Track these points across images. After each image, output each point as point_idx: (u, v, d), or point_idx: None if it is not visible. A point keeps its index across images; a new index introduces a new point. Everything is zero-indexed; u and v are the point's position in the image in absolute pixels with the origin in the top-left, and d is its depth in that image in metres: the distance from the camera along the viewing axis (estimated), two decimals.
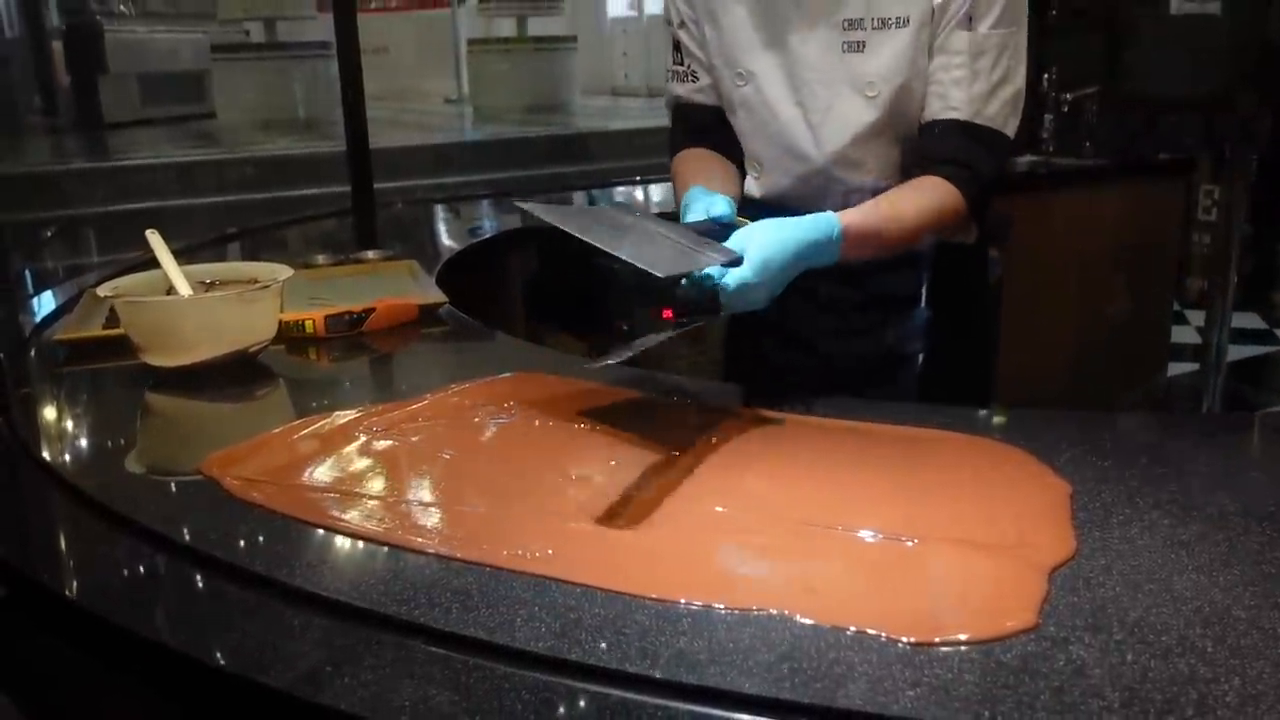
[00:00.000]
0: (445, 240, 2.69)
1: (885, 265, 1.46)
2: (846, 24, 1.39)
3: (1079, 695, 0.67)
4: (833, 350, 1.58)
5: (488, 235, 2.57)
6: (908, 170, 1.46)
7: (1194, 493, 0.97)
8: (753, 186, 1.59)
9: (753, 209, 1.51)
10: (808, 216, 1.22)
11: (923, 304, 1.56)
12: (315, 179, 4.82)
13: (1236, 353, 3.98)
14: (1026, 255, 2.80)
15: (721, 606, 0.78)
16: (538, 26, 8.02)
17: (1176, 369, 3.88)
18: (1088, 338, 3.56)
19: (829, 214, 1.24)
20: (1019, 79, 1.41)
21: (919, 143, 1.43)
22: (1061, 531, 0.88)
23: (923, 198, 1.36)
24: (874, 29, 1.38)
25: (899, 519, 0.91)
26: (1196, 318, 4.29)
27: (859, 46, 1.39)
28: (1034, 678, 0.69)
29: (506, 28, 8.06)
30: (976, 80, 1.36)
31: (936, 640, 0.73)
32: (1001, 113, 1.40)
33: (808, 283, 1.41)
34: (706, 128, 1.60)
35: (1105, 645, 0.72)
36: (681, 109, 1.63)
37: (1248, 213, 3.81)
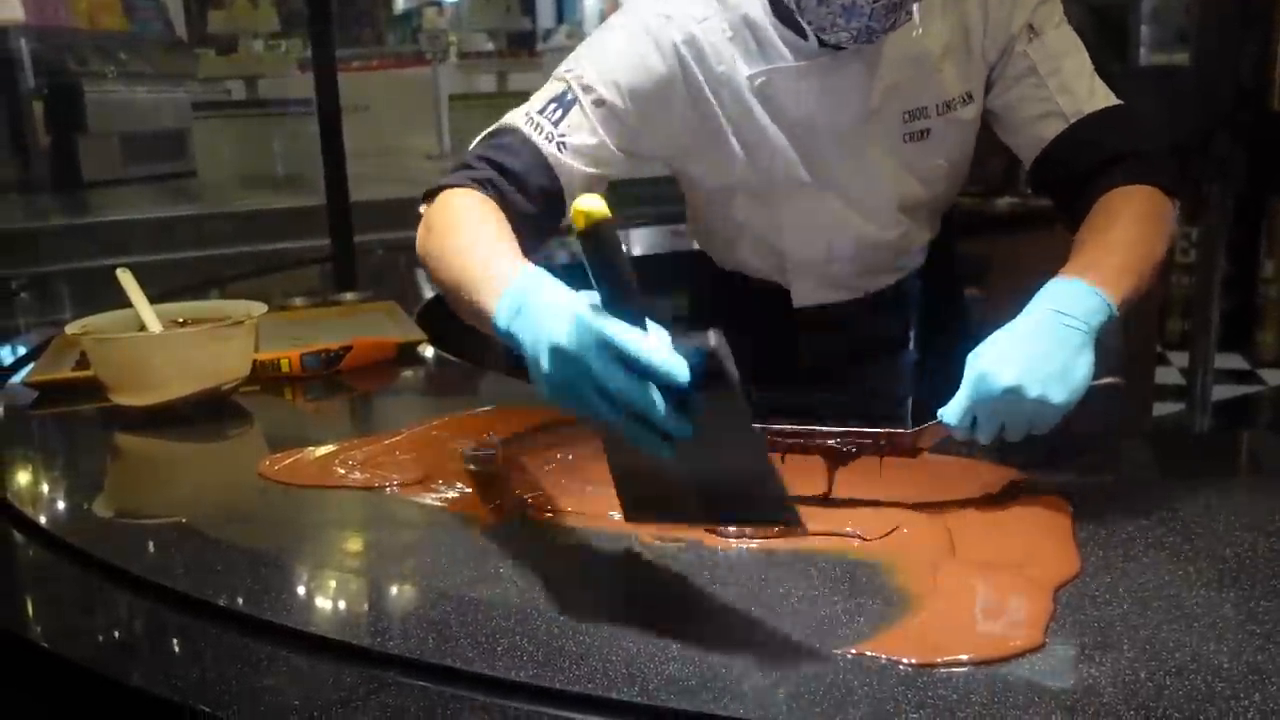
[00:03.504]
0: (426, 283, 2.67)
1: (873, 308, 1.42)
2: (907, 116, 1.23)
3: (1092, 714, 0.64)
4: (815, 400, 1.34)
5: None
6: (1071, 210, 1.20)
7: (1195, 510, 0.94)
8: (810, 294, 1.39)
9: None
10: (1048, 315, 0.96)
11: (910, 347, 1.50)
12: (297, 233, 4.80)
13: (1220, 393, 3.97)
14: (1006, 296, 2.79)
15: (711, 632, 0.74)
16: (519, 82, 8.09)
17: (1161, 409, 3.86)
18: None
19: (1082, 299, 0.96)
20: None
21: (1057, 172, 1.22)
22: (1065, 549, 0.85)
23: (1128, 211, 1.11)
24: (939, 114, 1.24)
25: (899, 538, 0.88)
26: (1179, 359, 4.29)
27: (923, 135, 1.25)
28: (1044, 697, 0.66)
29: (488, 84, 8.13)
30: (1077, 77, 1.21)
31: (939, 661, 0.69)
32: (1108, 93, 1.22)
33: (789, 334, 1.33)
34: (538, 205, 1.15)
35: (1117, 663, 0.69)
36: (538, 171, 1.15)
37: (1226, 253, 3.83)
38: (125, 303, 1.43)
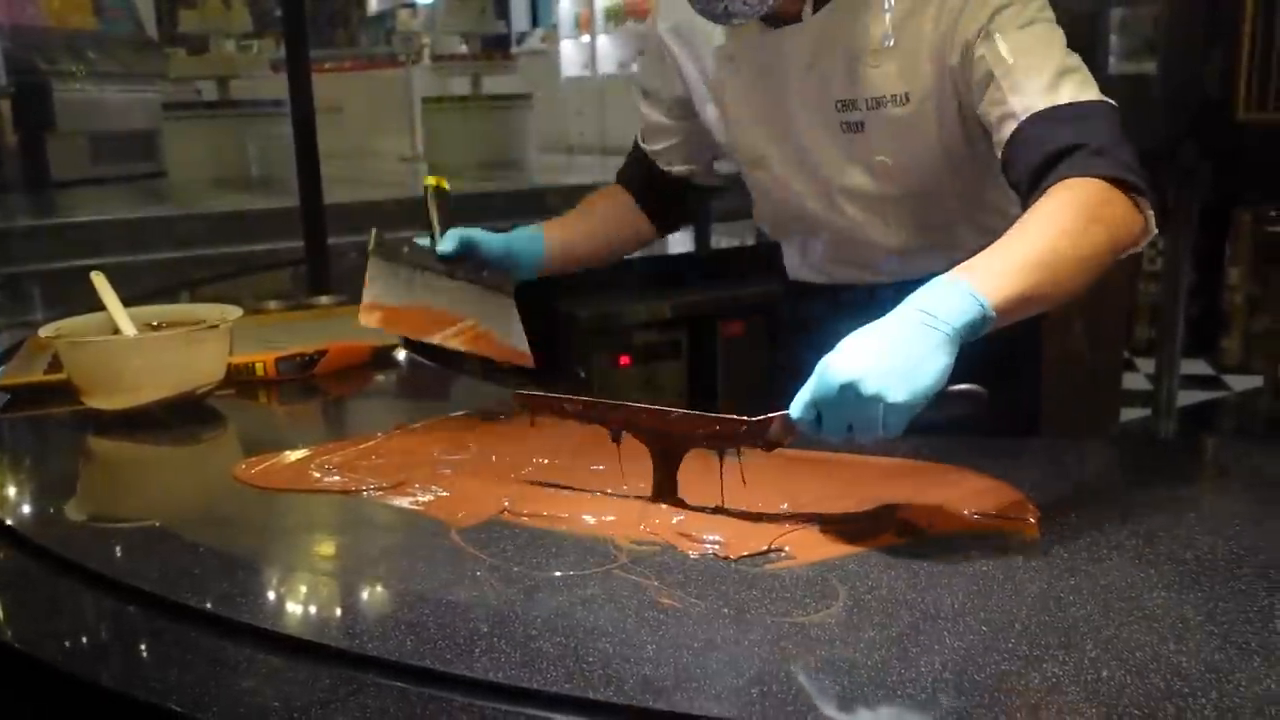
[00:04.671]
0: None
1: (844, 304, 1.44)
2: (840, 105, 1.29)
3: (1055, 713, 0.66)
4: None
5: None
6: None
7: (1158, 513, 0.96)
8: (798, 269, 1.53)
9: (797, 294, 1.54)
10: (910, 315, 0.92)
11: None
12: (269, 235, 4.78)
13: (1186, 398, 4.02)
14: None
15: (685, 633, 0.75)
16: (493, 85, 8.08)
17: (1128, 414, 3.91)
18: (1043, 388, 3.58)
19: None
20: (1078, 63, 1.19)
21: (1014, 174, 1.17)
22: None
23: (1050, 205, 1.05)
24: (870, 109, 1.27)
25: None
26: (1146, 365, 4.35)
27: (858, 127, 1.29)
28: (1009, 696, 0.67)
29: (461, 86, 8.10)
30: (1032, 76, 1.15)
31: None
32: (1080, 91, 1.16)
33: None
34: (647, 184, 1.58)
35: (1080, 662, 0.71)
36: (640, 160, 1.58)
37: (1192, 261, 3.89)
38: (96, 304, 1.42)
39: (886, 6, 1.23)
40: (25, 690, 0.84)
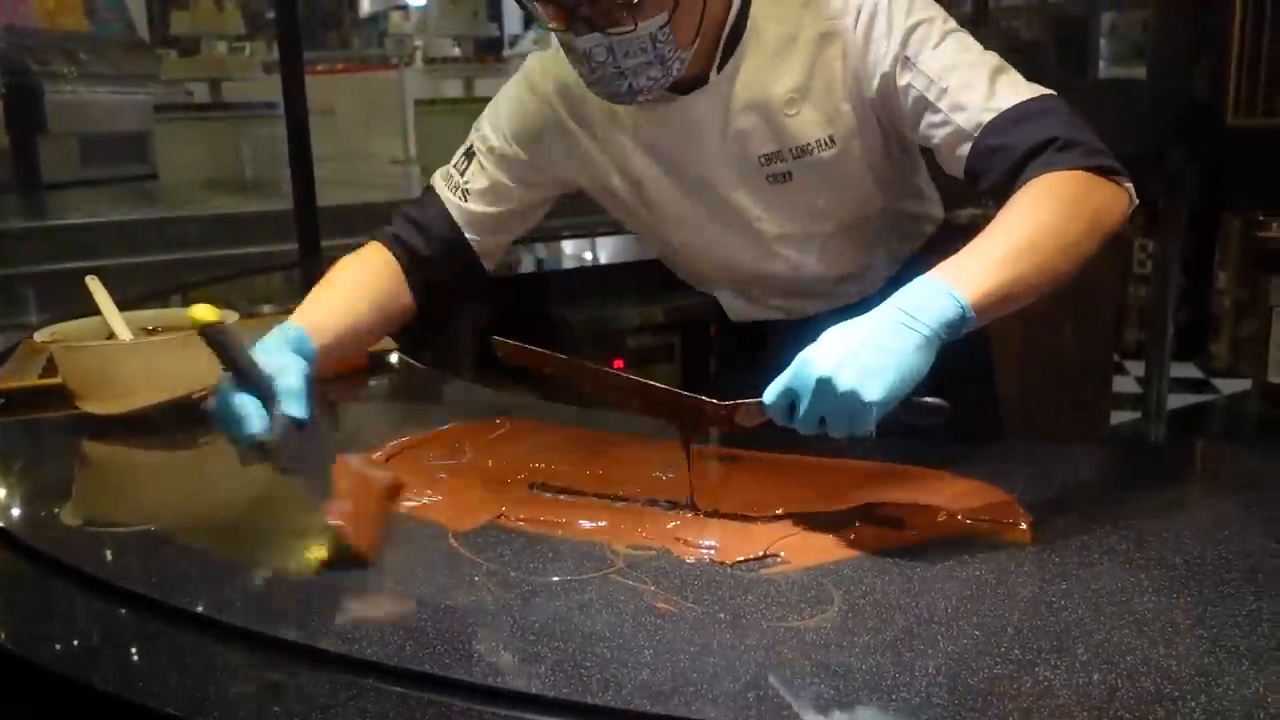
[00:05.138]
0: None
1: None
2: (764, 159, 1.25)
3: (1047, 716, 0.67)
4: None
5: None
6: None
7: (1148, 518, 0.97)
8: (742, 312, 1.44)
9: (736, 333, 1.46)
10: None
11: None
12: (261, 238, 4.77)
13: (1175, 402, 4.05)
14: None
15: (682, 638, 0.76)
16: (485, 88, 8.08)
17: (1118, 417, 3.93)
18: (1032, 391, 3.60)
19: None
20: (1000, 61, 1.17)
21: (985, 185, 1.14)
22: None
23: (1024, 199, 1.04)
24: (795, 158, 1.24)
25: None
26: (1135, 368, 4.37)
27: (785, 177, 1.25)
28: (1002, 700, 0.68)
29: (454, 89, 8.10)
30: (969, 90, 1.13)
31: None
32: (1018, 90, 1.14)
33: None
34: (429, 254, 1.34)
35: (1071, 667, 0.72)
36: (429, 224, 1.34)
37: (1180, 265, 3.91)
38: (88, 307, 1.43)
39: (776, 60, 1.21)
40: (20, 694, 0.84)
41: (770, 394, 0.93)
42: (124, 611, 0.87)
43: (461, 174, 1.35)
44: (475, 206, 1.34)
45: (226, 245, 4.85)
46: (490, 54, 8.69)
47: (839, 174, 1.26)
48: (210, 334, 0.97)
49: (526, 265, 2.88)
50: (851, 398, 0.87)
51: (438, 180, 1.37)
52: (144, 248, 4.64)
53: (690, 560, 0.91)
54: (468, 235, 1.34)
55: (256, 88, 7.37)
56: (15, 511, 1.15)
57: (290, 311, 1.83)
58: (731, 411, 0.98)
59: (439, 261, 1.34)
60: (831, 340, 0.91)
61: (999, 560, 0.89)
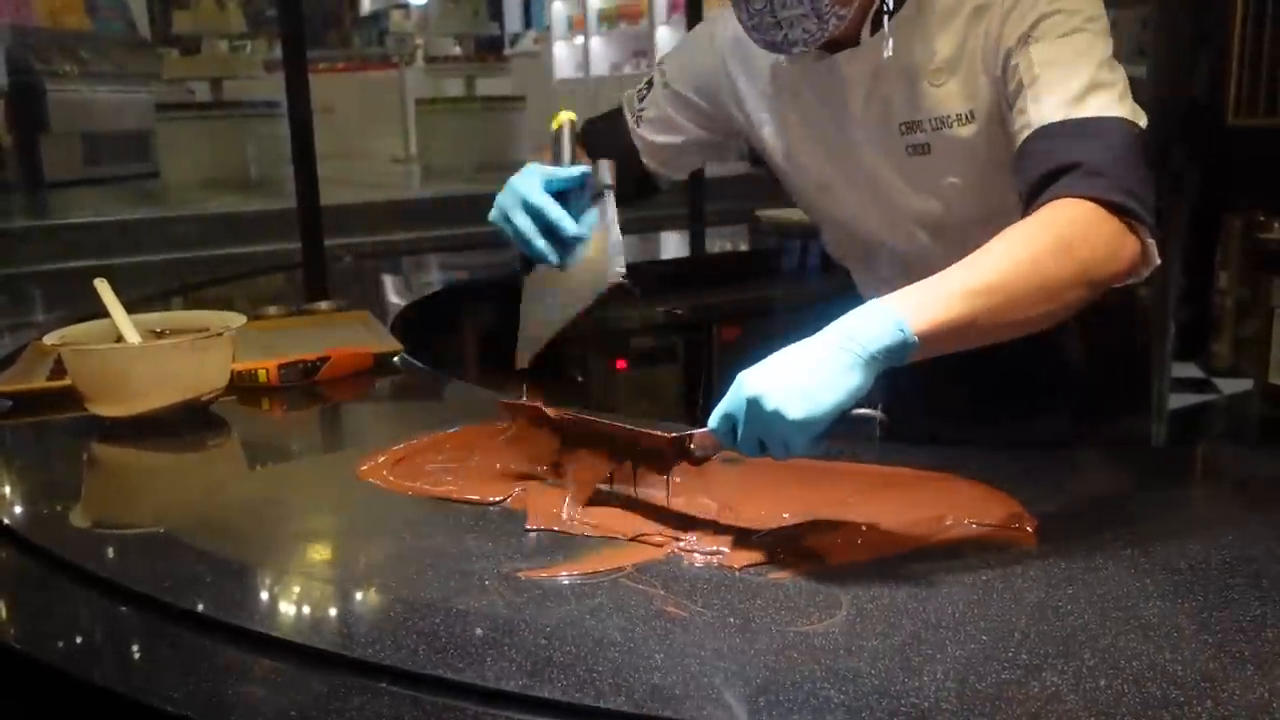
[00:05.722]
0: (398, 293, 2.68)
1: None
2: (904, 128, 1.24)
3: None
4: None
5: (445, 286, 2.58)
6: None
7: (1152, 522, 0.98)
8: (872, 289, 1.37)
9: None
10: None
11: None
12: (263, 237, 4.78)
13: (1176, 401, 4.06)
14: None
15: (692, 642, 0.77)
16: (486, 87, 8.08)
17: None
18: None
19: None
20: (1115, 78, 1.12)
21: (1018, 189, 1.12)
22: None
23: (1016, 230, 1.01)
24: (934, 130, 1.23)
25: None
26: None
27: (924, 149, 1.24)
28: (1010, 705, 0.69)
29: (455, 88, 8.11)
30: (1055, 88, 1.10)
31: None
32: (1106, 108, 1.09)
33: None
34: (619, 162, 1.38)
35: (1078, 672, 0.72)
36: (615, 136, 1.46)
37: (1182, 265, 3.92)
38: (92, 306, 1.43)
39: (936, 26, 1.20)
40: (29, 693, 0.85)
41: (713, 418, 0.94)
42: (132, 612, 0.88)
43: (640, 100, 1.46)
44: (648, 133, 1.45)
45: (229, 244, 4.85)
46: (491, 53, 8.69)
47: (977, 154, 1.23)
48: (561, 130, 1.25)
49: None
50: (776, 417, 0.88)
51: (625, 99, 1.49)
52: (147, 247, 4.65)
53: (698, 564, 0.91)
54: (643, 158, 1.46)
55: (258, 86, 7.37)
56: (26, 512, 1.16)
57: (301, 312, 1.84)
58: (686, 443, 0.99)
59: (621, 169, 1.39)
60: (769, 362, 0.92)
61: (1005, 565, 0.90)
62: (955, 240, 1.26)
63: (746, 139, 1.44)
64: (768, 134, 1.37)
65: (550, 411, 1.11)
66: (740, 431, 0.91)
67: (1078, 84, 1.10)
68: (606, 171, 1.24)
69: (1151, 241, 1.05)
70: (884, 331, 0.90)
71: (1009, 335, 0.97)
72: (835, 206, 1.38)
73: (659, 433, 1.01)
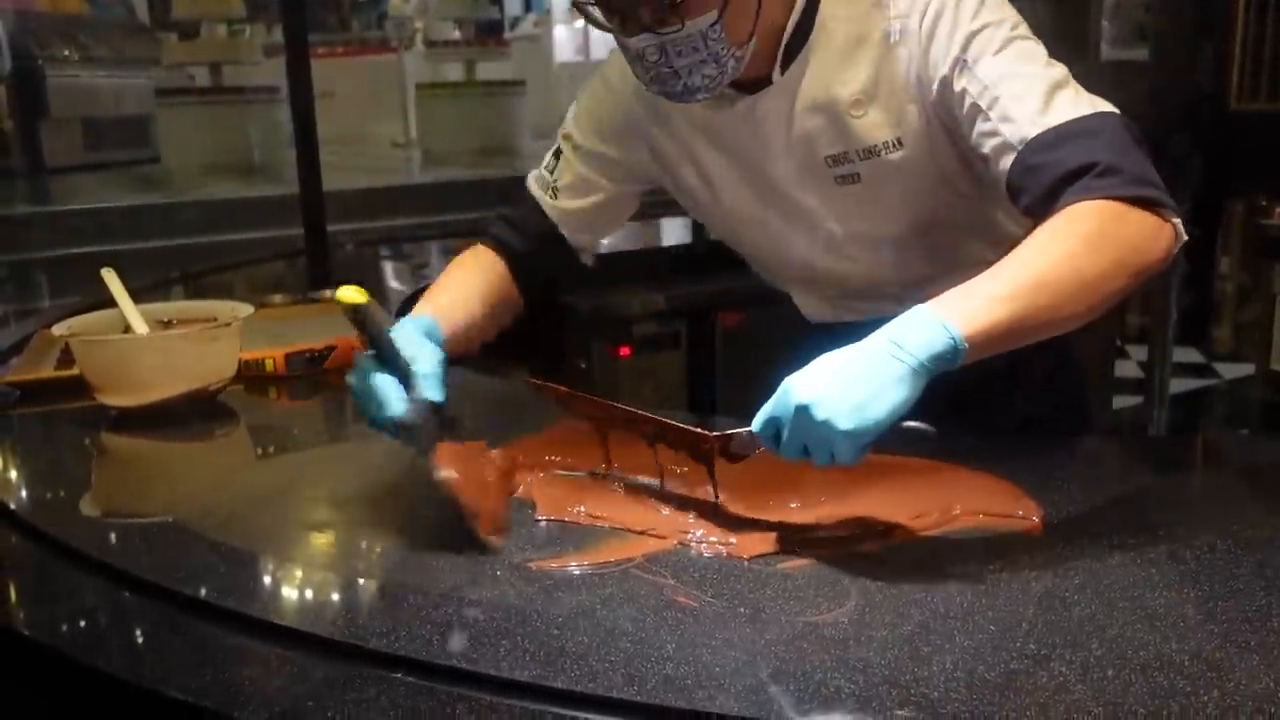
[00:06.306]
0: (401, 280, 2.68)
1: None
2: (830, 160, 1.23)
3: (1064, 711, 0.68)
4: None
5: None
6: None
7: (1158, 513, 0.99)
8: (816, 311, 1.44)
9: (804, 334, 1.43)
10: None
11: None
12: (264, 223, 4.77)
13: (1177, 386, 4.06)
14: None
15: (703, 632, 0.78)
16: (486, 71, 8.06)
17: (1120, 402, 3.95)
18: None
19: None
20: (1065, 75, 1.12)
21: (1024, 204, 1.10)
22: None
23: (1045, 231, 1.01)
24: (862, 159, 1.22)
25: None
26: (1138, 352, 4.39)
27: (853, 178, 1.23)
28: (1019, 695, 0.70)
29: (455, 72, 8.09)
30: (1022, 101, 1.09)
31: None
32: (1075, 107, 1.09)
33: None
34: (529, 250, 1.38)
35: (1085, 662, 0.73)
36: (526, 221, 1.39)
37: (1183, 250, 3.92)
38: (96, 293, 1.44)
39: (842, 61, 1.19)
40: (40, 680, 0.86)
41: (757, 422, 0.94)
42: (141, 600, 0.89)
43: (551, 173, 1.38)
44: (566, 203, 1.37)
45: (229, 230, 4.85)
46: (491, 37, 8.67)
47: (909, 177, 1.23)
48: (359, 312, 1.01)
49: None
50: (826, 427, 0.87)
51: (531, 182, 1.41)
52: (149, 233, 4.65)
53: (707, 554, 0.92)
54: (562, 231, 1.38)
55: (257, 72, 7.35)
56: (36, 501, 1.16)
57: (307, 300, 1.85)
58: (725, 442, 0.99)
59: (538, 257, 1.38)
60: (816, 368, 0.91)
61: (1012, 555, 0.91)
62: (896, 256, 1.30)
63: (660, 185, 1.39)
64: (687, 175, 1.34)
65: (581, 397, 1.11)
66: (785, 436, 0.91)
67: (1039, 92, 1.09)
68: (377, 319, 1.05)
69: (1178, 220, 1.04)
70: (934, 338, 0.90)
71: (1052, 333, 0.97)
72: (764, 239, 1.36)
73: (701, 430, 1.02)
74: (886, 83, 1.19)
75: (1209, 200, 4.39)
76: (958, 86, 1.13)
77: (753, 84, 1.22)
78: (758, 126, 1.25)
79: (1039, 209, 1.06)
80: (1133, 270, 1.00)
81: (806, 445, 0.90)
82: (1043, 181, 1.06)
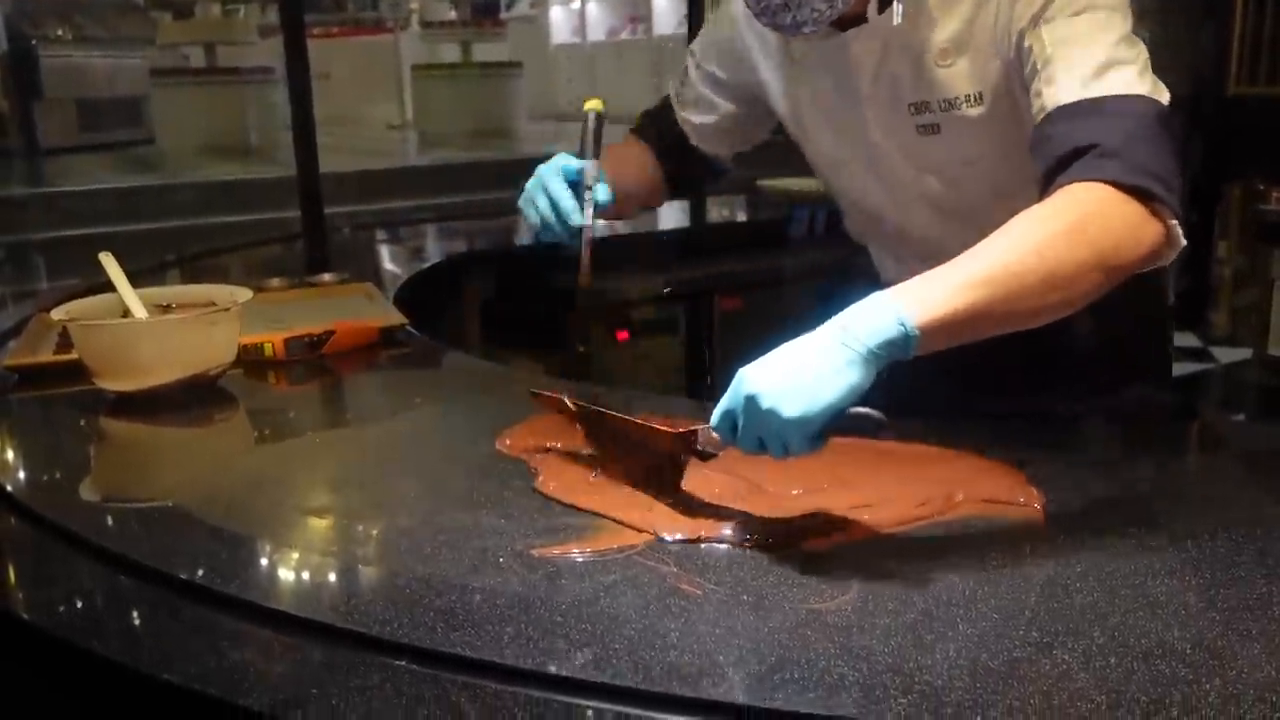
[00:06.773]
0: (398, 263, 2.68)
1: None
2: (913, 108, 1.23)
3: (1067, 699, 0.68)
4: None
5: (445, 258, 2.57)
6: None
7: (1160, 500, 0.99)
8: (890, 274, 1.43)
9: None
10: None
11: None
12: (260, 205, 4.76)
13: (1175, 370, 4.08)
14: None
15: (707, 621, 0.78)
16: (482, 52, 8.03)
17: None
18: None
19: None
20: (1133, 55, 1.08)
21: (1035, 173, 1.09)
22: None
23: (1025, 218, 0.98)
24: (942, 110, 1.21)
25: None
26: None
27: (934, 129, 1.23)
28: (1021, 683, 0.70)
29: (451, 53, 8.05)
30: (1071, 67, 1.07)
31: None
32: (1125, 85, 1.05)
33: None
34: (669, 148, 1.53)
35: (1088, 649, 0.74)
36: (666, 123, 1.53)
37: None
38: (92, 273, 1.43)
39: (942, 5, 1.18)
40: (38, 664, 0.86)
41: (714, 417, 0.93)
42: (140, 585, 0.89)
43: (680, 85, 1.52)
44: (690, 116, 1.50)
45: (225, 212, 4.84)
46: (487, 18, 8.62)
47: (987, 135, 1.21)
48: (600, 120, 1.31)
49: (530, 237, 2.88)
50: (772, 415, 0.86)
51: (670, 87, 1.55)
52: (145, 214, 4.63)
53: (714, 547, 0.92)
54: (692, 141, 1.51)
55: (252, 52, 7.32)
56: (34, 485, 1.16)
57: (305, 284, 1.84)
58: (691, 441, 0.98)
59: (675, 159, 1.54)
60: (767, 358, 0.90)
61: (1013, 541, 0.91)
62: (966, 222, 1.23)
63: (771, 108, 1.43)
64: (784, 110, 1.38)
65: (570, 403, 1.11)
66: (739, 429, 0.90)
67: (1093, 62, 1.06)
68: (589, 172, 1.31)
69: (1175, 223, 1.01)
70: (883, 325, 0.88)
71: (1021, 325, 0.95)
72: (845, 183, 1.38)
73: (667, 429, 1.01)
74: (977, 35, 1.17)
75: (1207, 184, 4.39)
76: (1028, 42, 1.11)
77: (849, 21, 1.21)
78: (848, 64, 1.25)
79: (1044, 183, 1.04)
80: (1109, 268, 0.97)
81: (761, 437, 0.89)
82: (1048, 156, 1.05)
